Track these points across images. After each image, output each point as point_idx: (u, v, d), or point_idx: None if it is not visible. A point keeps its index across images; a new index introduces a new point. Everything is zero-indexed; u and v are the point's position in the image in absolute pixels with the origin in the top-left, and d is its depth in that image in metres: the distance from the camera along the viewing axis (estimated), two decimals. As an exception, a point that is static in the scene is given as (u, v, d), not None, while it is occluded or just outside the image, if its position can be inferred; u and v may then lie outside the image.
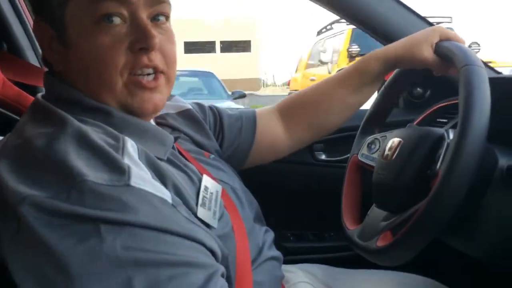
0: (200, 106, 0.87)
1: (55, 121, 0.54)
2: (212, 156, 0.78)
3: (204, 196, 0.61)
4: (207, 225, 0.58)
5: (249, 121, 0.88)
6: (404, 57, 0.81)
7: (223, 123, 0.86)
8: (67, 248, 0.44)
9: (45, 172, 0.48)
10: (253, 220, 0.75)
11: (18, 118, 0.90)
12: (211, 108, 0.88)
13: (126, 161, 0.50)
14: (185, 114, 0.81)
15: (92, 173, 0.46)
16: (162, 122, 0.76)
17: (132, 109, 0.59)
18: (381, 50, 0.85)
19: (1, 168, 0.50)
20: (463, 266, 0.94)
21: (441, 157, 0.66)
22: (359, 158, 0.94)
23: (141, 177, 0.49)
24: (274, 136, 0.90)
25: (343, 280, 0.89)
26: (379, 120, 0.97)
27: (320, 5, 1.00)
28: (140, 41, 0.57)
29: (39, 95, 0.63)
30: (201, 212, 0.58)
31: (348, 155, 1.03)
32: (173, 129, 0.77)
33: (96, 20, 0.55)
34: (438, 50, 0.78)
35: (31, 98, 0.91)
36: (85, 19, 0.56)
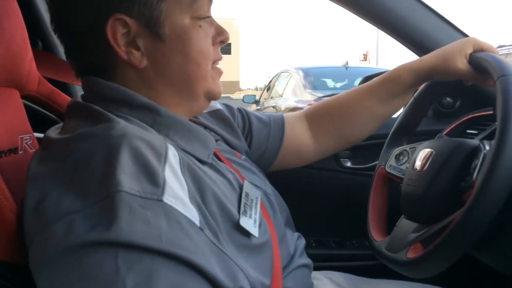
0: (229, 107, 0.88)
1: (100, 120, 0.54)
2: (243, 157, 0.78)
3: (245, 203, 0.61)
4: (249, 234, 0.58)
5: (278, 125, 0.88)
6: (438, 68, 0.80)
7: (251, 126, 0.86)
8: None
9: (85, 175, 0.48)
10: (284, 226, 0.74)
11: (51, 115, 0.92)
12: (239, 110, 0.88)
13: (166, 171, 0.49)
14: (216, 114, 0.82)
15: (128, 181, 0.46)
16: (194, 120, 0.76)
17: (214, 95, 0.66)
18: (413, 61, 0.84)
19: (45, 173, 0.51)
20: (491, 281, 0.92)
21: (478, 167, 0.65)
22: (387, 169, 0.92)
23: (175, 194, 0.49)
24: (300, 143, 0.89)
25: None
26: (407, 132, 0.95)
27: (357, 15, 1.00)
28: (221, 35, 0.65)
29: (80, 96, 0.63)
30: (244, 221, 0.58)
31: (374, 163, 1.02)
32: (205, 127, 0.77)
33: (196, 16, 0.60)
34: (473, 61, 0.77)
35: (63, 95, 0.93)
36: (186, 14, 0.60)
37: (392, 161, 0.92)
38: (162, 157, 0.51)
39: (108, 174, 0.46)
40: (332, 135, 0.90)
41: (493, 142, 0.66)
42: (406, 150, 0.91)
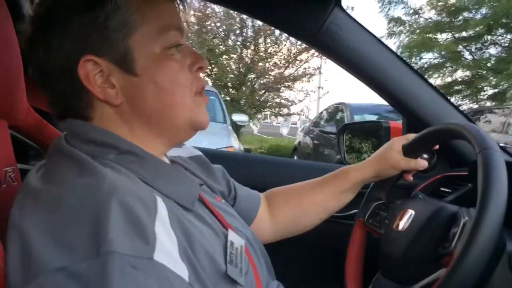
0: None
1: (88, 171, 0.53)
2: (223, 201, 0.79)
3: (231, 252, 0.61)
4: (236, 284, 0.58)
5: (256, 199, 0.95)
6: (381, 169, 0.93)
7: (233, 183, 0.92)
8: None
9: (73, 230, 0.46)
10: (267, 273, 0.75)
11: (36, 146, 0.90)
12: (224, 172, 0.93)
13: (157, 226, 0.49)
14: (196, 159, 0.84)
15: (120, 240, 0.45)
16: (174, 160, 0.77)
17: (199, 124, 0.65)
18: (361, 163, 0.96)
19: (30, 224, 0.48)
20: None
21: (456, 236, 0.67)
22: (365, 223, 0.95)
23: (165, 251, 0.48)
24: (261, 221, 0.95)
25: None
26: (387, 187, 0.98)
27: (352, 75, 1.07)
28: (198, 63, 0.65)
29: (63, 136, 0.62)
30: (231, 270, 0.58)
31: (353, 211, 1.04)
32: (186, 170, 0.78)
33: (166, 47, 0.61)
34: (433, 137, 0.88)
35: (50, 126, 0.92)
36: (154, 46, 0.60)
37: (371, 215, 0.95)
38: (152, 212, 0.50)
39: (99, 232, 0.45)
40: (286, 219, 0.97)
41: (471, 210, 0.69)
42: (385, 205, 0.94)
